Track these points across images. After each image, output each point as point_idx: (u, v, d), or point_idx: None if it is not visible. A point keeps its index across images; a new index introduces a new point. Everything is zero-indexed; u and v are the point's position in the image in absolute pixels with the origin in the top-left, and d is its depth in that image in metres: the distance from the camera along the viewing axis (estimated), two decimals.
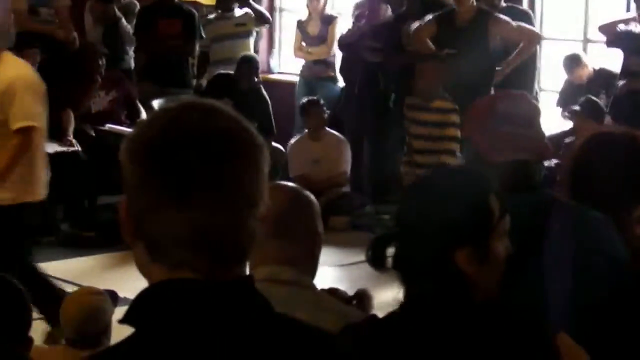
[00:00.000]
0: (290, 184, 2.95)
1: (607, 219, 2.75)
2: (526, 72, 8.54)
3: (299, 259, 2.74)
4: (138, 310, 1.57)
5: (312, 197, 2.83)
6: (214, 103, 1.67)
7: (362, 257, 7.68)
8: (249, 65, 9.48)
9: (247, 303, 1.62)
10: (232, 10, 10.18)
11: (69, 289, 5.18)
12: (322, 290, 2.87)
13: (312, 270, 2.80)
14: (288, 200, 2.74)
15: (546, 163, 8.17)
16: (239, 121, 1.64)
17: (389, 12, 9.49)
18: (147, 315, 1.57)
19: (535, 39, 8.32)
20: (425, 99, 8.08)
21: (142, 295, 1.58)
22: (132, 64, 10.31)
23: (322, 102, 9.24)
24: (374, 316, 2.23)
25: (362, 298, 2.95)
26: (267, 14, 10.46)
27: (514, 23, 8.09)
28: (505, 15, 8.14)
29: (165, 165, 1.57)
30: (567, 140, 8.01)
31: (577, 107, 8.11)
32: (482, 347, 2.02)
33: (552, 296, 2.63)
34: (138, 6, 10.42)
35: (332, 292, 2.94)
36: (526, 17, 8.67)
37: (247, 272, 1.68)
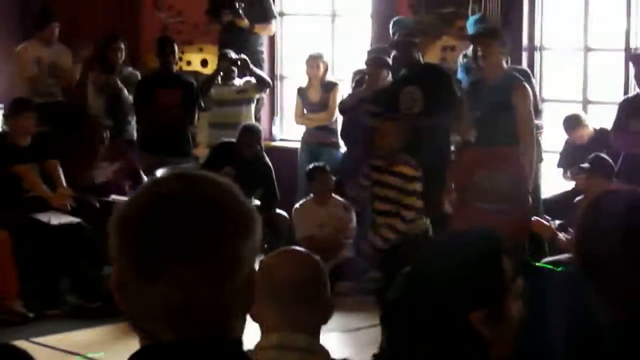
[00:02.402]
0: (304, 250, 2.96)
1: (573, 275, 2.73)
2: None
3: (313, 326, 2.75)
4: None
5: (321, 262, 2.85)
6: (201, 174, 1.70)
7: (368, 323, 7.69)
8: (251, 134, 9.52)
9: None
10: (232, 78, 10.26)
11: None
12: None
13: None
14: (307, 268, 2.76)
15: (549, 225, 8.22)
16: (222, 190, 1.67)
17: (389, 77, 9.56)
18: None
19: (531, 144, 8.10)
20: (386, 159, 8.07)
21: None
22: (135, 134, 10.36)
23: (327, 168, 9.28)
24: None
25: None
26: (268, 79, 10.51)
27: (530, 108, 8.01)
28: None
29: (135, 238, 1.60)
30: (577, 199, 8.00)
31: (586, 165, 8.10)
32: None
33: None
34: (139, 76, 10.50)
35: None
36: (526, 77, 8.71)
37: (236, 333, 1.68)
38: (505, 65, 8.20)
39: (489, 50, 8.06)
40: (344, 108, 9.85)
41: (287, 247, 3.05)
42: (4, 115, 9.38)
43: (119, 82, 10.24)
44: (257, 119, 10.60)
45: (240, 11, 10.45)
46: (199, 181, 1.67)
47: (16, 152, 8.55)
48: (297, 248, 2.98)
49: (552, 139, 9.55)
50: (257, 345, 2.75)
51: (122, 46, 10.30)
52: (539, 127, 8.71)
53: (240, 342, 1.67)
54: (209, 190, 1.65)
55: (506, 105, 7.91)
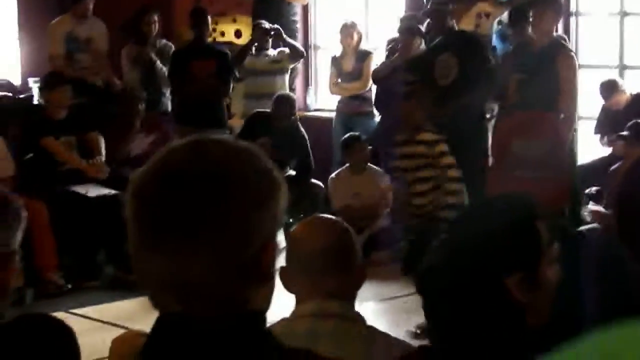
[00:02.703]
0: (332, 217, 2.96)
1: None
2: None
3: (346, 292, 2.76)
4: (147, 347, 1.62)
5: (352, 230, 2.86)
6: (217, 140, 1.65)
7: (404, 291, 7.65)
8: (286, 104, 9.53)
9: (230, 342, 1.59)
10: (266, 49, 10.26)
11: (116, 331, 5.21)
12: None
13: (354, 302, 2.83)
14: (336, 235, 2.76)
15: (587, 191, 8.18)
16: (237, 157, 1.61)
17: (422, 45, 9.52)
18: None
19: (571, 113, 8.08)
20: (411, 133, 8.04)
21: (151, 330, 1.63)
22: (169, 106, 10.38)
23: (363, 137, 9.27)
24: (425, 347, 2.22)
25: None
26: (301, 48, 10.50)
27: (573, 77, 7.98)
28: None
29: (143, 208, 1.58)
30: (614, 167, 7.93)
31: (624, 133, 8.01)
32: None
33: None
34: (173, 48, 10.51)
35: None
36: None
37: (255, 305, 1.64)
38: (554, 33, 8.17)
39: (541, 16, 8.02)
40: (378, 77, 9.83)
41: (314, 216, 3.05)
42: (40, 89, 9.43)
43: (153, 54, 10.26)
44: (292, 89, 10.60)
45: None
46: (212, 149, 1.61)
47: (52, 125, 8.60)
48: (325, 216, 2.98)
49: (589, 105, 9.48)
50: (292, 314, 2.76)
51: (156, 18, 10.31)
52: None
53: (257, 314, 1.64)
54: (222, 159, 1.59)
55: (549, 72, 7.87)
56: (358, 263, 2.80)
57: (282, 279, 2.71)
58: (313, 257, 2.72)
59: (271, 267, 1.63)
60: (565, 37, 9.13)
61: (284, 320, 2.74)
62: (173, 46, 10.52)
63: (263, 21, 10.29)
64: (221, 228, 1.56)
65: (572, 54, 8.07)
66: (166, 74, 10.22)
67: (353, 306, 2.79)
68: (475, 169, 8.04)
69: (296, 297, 2.78)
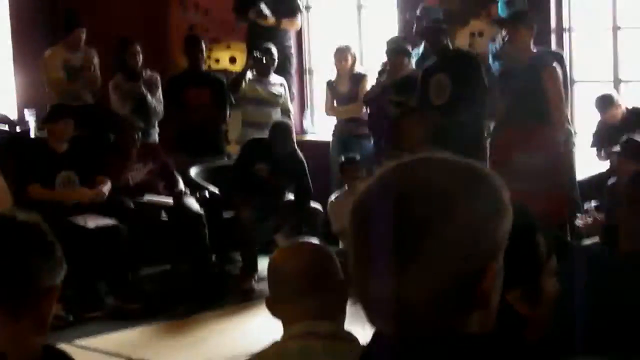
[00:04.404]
0: (311, 240, 2.99)
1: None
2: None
3: (331, 312, 2.77)
4: None
5: (330, 250, 2.88)
6: (443, 158, 1.61)
7: None
8: (283, 130, 9.50)
9: None
10: (267, 75, 10.17)
11: None
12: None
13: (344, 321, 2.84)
14: (311, 257, 2.80)
15: (586, 206, 8.17)
16: (466, 177, 1.58)
17: (411, 65, 9.48)
18: None
19: (562, 125, 8.08)
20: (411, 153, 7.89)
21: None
22: (157, 138, 10.25)
23: (358, 159, 9.29)
24: None
25: None
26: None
27: (560, 89, 7.99)
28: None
29: (360, 226, 1.55)
30: (610, 182, 7.92)
31: (617, 148, 8.01)
32: None
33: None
34: (159, 78, 10.37)
35: None
36: (558, 59, 8.63)
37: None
38: (532, 47, 8.17)
39: (515, 34, 8.05)
40: (367, 98, 9.81)
41: (296, 240, 3.08)
42: (43, 122, 9.41)
43: (143, 88, 10.14)
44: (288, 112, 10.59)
45: (265, 11, 10.43)
46: (434, 167, 1.59)
47: (54, 159, 8.60)
48: (303, 240, 3.02)
49: (585, 120, 9.47)
50: (283, 337, 2.77)
51: (139, 49, 10.13)
52: None
53: (472, 338, 1.59)
54: (443, 178, 1.56)
55: (536, 89, 7.89)
56: (339, 284, 2.81)
57: (267, 306, 2.81)
58: (290, 280, 2.77)
59: (490, 292, 1.57)
60: (556, 50, 9.12)
61: (275, 342, 2.76)
62: (158, 76, 10.38)
63: (267, 45, 10.17)
64: (438, 249, 1.51)
65: (555, 66, 8.05)
66: (155, 106, 10.12)
67: (343, 326, 2.80)
68: None
69: (283, 322, 2.80)
